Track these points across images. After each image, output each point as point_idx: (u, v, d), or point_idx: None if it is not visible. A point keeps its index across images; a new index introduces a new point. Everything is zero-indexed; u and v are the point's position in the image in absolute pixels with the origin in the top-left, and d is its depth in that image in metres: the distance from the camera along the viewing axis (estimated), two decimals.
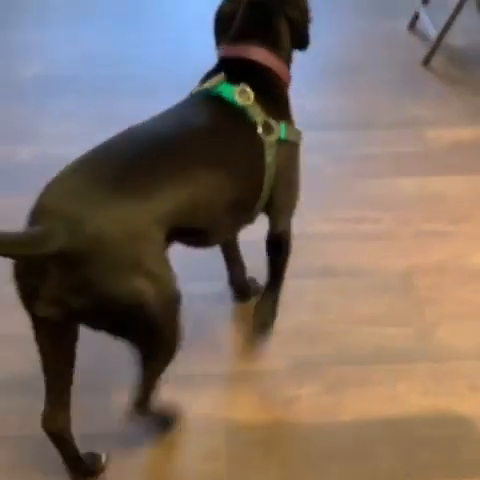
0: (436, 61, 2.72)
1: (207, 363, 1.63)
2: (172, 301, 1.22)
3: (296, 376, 1.61)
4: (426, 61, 2.70)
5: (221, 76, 1.41)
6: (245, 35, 1.45)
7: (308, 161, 2.26)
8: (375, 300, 1.79)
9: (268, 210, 1.49)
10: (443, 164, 2.25)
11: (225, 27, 1.51)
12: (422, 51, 2.75)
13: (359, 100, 2.54)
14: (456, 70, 2.70)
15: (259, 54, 1.44)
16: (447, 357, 1.65)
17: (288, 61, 1.51)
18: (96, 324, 1.18)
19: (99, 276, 1.10)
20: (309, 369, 1.63)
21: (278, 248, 1.59)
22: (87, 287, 1.11)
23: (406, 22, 2.97)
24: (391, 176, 2.20)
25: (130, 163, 1.21)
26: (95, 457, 1.44)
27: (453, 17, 2.62)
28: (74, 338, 1.29)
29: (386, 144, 2.34)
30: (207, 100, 1.39)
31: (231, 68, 1.42)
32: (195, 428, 1.52)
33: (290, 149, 1.46)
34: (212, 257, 1.90)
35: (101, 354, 1.67)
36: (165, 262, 1.21)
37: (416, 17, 2.91)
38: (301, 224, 2.03)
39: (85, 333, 1.72)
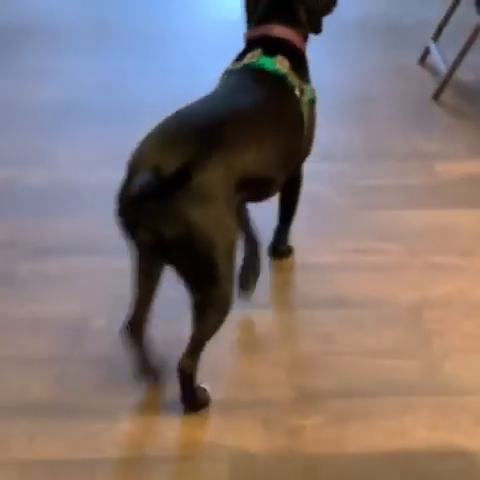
0: (446, 95, 2.74)
1: (211, 391, 1.63)
2: (232, 244, 1.44)
3: (301, 406, 1.61)
4: (436, 95, 2.73)
5: (258, 52, 1.70)
6: (267, 18, 1.73)
7: (317, 191, 2.28)
8: (382, 332, 1.79)
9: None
10: (452, 197, 2.25)
11: (253, 10, 1.79)
12: (432, 85, 2.77)
13: (369, 132, 2.56)
14: (466, 105, 2.72)
15: (280, 31, 1.72)
16: (454, 391, 1.64)
17: (305, 36, 1.78)
18: (174, 256, 1.40)
19: (183, 207, 1.36)
20: (314, 400, 1.62)
21: (295, 185, 1.90)
22: (174, 216, 1.36)
23: (416, 57, 3.01)
24: (400, 208, 2.21)
25: (206, 124, 1.46)
26: (159, 366, 1.61)
27: (463, 53, 2.65)
28: (161, 268, 1.53)
29: (395, 176, 2.35)
30: (252, 72, 1.66)
31: (260, 45, 1.71)
32: (199, 456, 1.51)
33: (313, 106, 1.77)
34: None
35: (109, 379, 1.66)
36: (233, 209, 1.45)
37: (427, 52, 2.94)
38: (309, 254, 2.04)
39: (92, 358, 1.72)
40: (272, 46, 1.70)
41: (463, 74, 2.82)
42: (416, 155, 2.45)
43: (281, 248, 2.00)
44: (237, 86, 1.63)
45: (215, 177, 1.40)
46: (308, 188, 2.28)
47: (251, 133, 1.51)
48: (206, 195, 1.38)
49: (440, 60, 2.79)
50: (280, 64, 1.67)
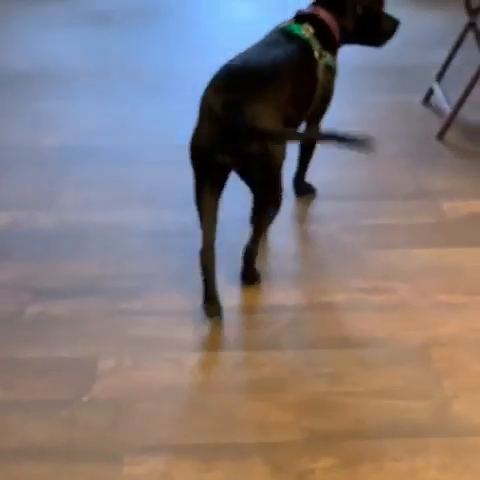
0: (451, 135, 2.77)
1: (219, 432, 1.61)
2: (284, 158, 1.92)
3: (310, 449, 1.59)
4: (441, 135, 2.75)
5: (292, 20, 2.18)
6: (318, 3, 2.20)
7: (324, 230, 2.29)
8: (391, 372, 1.78)
9: (310, 115, 2.22)
10: (459, 236, 2.26)
11: None
12: (436, 125, 2.80)
13: (376, 171, 2.58)
14: (470, 144, 2.74)
15: (321, 12, 2.18)
16: (464, 432, 1.62)
17: (342, 28, 2.20)
18: (248, 168, 1.87)
19: (259, 135, 1.82)
20: (324, 442, 1.60)
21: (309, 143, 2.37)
22: (253, 140, 1.82)
23: (420, 97, 3.04)
24: (407, 247, 2.21)
25: (262, 71, 1.92)
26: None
27: (467, 92, 2.68)
28: (221, 191, 1.95)
29: (402, 215, 2.36)
30: (284, 34, 2.12)
31: (301, 18, 2.17)
32: None
33: (331, 73, 2.18)
34: (229, 326, 1.91)
35: (115, 422, 1.66)
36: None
37: (430, 92, 2.98)
38: (317, 294, 2.03)
39: (100, 401, 1.72)
40: (307, 19, 2.15)
41: (467, 113, 2.85)
42: (423, 194, 2.46)
43: (300, 185, 2.47)
44: (271, 42, 2.09)
45: (274, 112, 1.86)
46: (316, 228, 2.30)
47: (284, 76, 1.96)
48: (271, 125, 1.84)
49: (444, 100, 2.83)
50: (305, 30, 2.11)
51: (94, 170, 2.62)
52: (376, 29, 2.24)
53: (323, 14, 2.16)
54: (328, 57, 2.15)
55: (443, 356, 1.82)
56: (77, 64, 3.45)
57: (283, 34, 2.11)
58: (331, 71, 2.18)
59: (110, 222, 2.34)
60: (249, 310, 1.99)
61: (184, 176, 2.65)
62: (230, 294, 2.02)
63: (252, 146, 1.82)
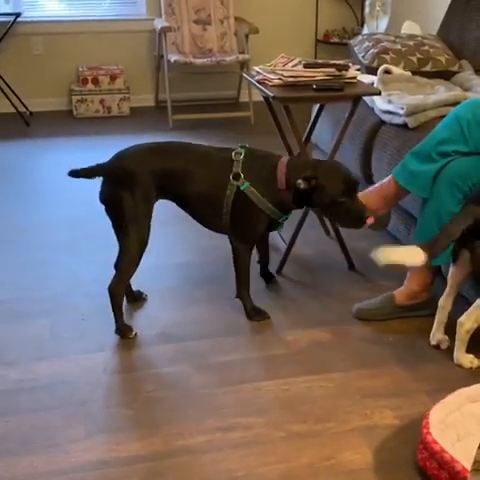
0: (288, 269, 2.96)
1: None
2: (134, 210, 2.41)
3: None
4: (279, 270, 2.94)
5: (241, 146, 2.49)
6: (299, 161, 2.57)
7: (174, 373, 2.30)
8: None
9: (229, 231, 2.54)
10: (304, 364, 2.36)
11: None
12: (275, 261, 2.97)
13: (219, 310, 2.66)
14: (306, 276, 2.94)
15: (281, 159, 2.47)
16: None
17: (291, 188, 2.42)
18: (110, 214, 2.44)
19: (113, 184, 2.42)
20: None
21: (233, 255, 2.57)
22: (108, 189, 2.43)
23: None
24: (257, 380, 2.27)
25: (156, 149, 2.49)
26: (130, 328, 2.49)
27: (296, 232, 2.92)
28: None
29: (250, 349, 2.44)
30: (227, 151, 2.49)
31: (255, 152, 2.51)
32: None
33: (245, 199, 2.42)
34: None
35: None
36: (148, 193, 2.42)
37: None
38: (174, 438, 2.01)
39: None
40: (262, 155, 2.49)
41: (301, 249, 3.07)
42: (267, 328, 2.56)
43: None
44: (211, 149, 2.52)
45: (135, 174, 2.38)
46: (167, 370, 2.31)
47: (175, 158, 2.44)
48: (125, 181, 2.38)
49: (279, 238, 3.05)
50: (235, 155, 2.43)
51: None
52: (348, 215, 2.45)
53: (282, 159, 2.45)
54: (246, 184, 2.39)
55: None
56: None
57: (226, 150, 2.47)
58: (245, 197, 2.40)
59: None
60: (103, 465, 1.92)
61: (31, 328, 2.58)
62: (86, 448, 1.95)
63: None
